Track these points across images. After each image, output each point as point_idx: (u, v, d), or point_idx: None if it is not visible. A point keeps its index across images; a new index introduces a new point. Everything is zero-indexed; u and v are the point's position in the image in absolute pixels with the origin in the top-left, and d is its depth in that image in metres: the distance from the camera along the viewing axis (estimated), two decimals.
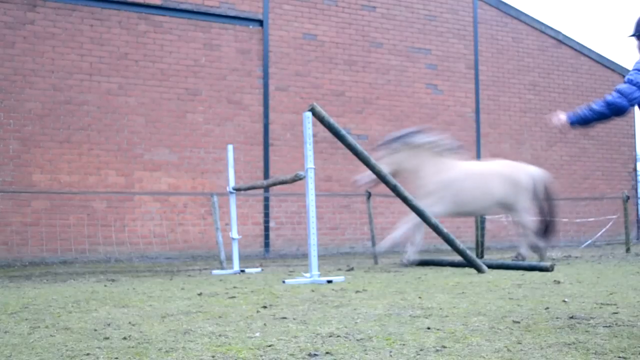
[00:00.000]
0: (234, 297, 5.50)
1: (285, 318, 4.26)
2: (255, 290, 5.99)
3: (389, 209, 13.89)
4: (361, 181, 9.53)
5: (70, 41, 11.45)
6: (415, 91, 14.64)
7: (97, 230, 11.29)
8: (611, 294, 5.38)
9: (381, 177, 7.77)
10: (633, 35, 4.03)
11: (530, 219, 9.71)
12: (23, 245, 10.80)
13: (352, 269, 8.81)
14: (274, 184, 8.72)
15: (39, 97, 11.13)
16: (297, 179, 7.48)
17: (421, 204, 8.37)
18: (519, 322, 3.98)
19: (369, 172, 8.61)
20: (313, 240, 6.97)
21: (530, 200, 9.57)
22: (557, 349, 3.18)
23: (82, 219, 11.23)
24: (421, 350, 3.21)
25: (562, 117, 4.09)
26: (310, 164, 7.14)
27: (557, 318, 4.14)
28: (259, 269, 8.90)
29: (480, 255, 10.45)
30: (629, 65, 18.30)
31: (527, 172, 9.72)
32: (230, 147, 9.24)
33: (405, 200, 7.83)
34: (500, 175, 9.50)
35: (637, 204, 17.74)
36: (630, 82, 3.86)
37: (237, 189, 9.18)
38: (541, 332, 3.65)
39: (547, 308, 4.59)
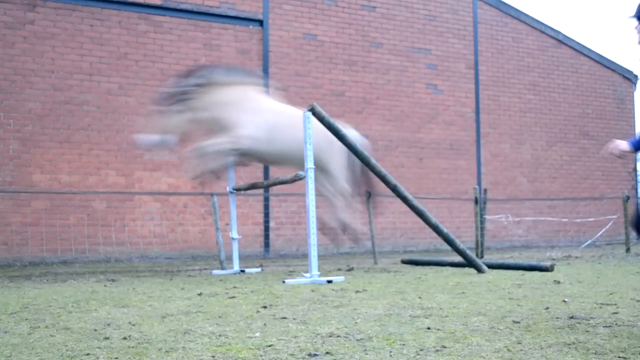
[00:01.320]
0: (234, 297, 5.50)
1: (285, 318, 4.26)
2: (255, 290, 5.99)
3: (388, 209, 13.88)
4: (143, 141, 8.14)
5: (70, 41, 11.45)
6: (415, 91, 14.64)
7: (97, 230, 11.29)
8: (611, 294, 5.38)
9: (381, 177, 7.76)
10: (634, 17, 3.93)
11: (347, 187, 8.55)
12: (23, 245, 10.80)
13: (352, 269, 8.81)
14: (274, 184, 8.71)
15: (39, 97, 11.13)
16: (297, 179, 7.48)
17: (227, 135, 7.68)
18: (519, 322, 3.98)
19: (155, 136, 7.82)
20: (313, 240, 6.97)
21: (345, 167, 8.42)
22: (557, 349, 3.18)
23: (82, 219, 11.23)
24: (421, 350, 3.21)
25: (622, 145, 3.87)
26: (310, 164, 7.13)
27: (557, 318, 4.14)
28: (259, 269, 8.90)
29: (480, 255, 10.45)
30: (629, 65, 18.32)
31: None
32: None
33: (405, 200, 7.83)
34: (316, 128, 7.58)
35: (637, 204, 17.74)
36: None
37: (237, 189, 9.18)
38: (541, 332, 3.65)
39: (547, 308, 4.59)
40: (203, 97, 7.86)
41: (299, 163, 7.90)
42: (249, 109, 7.86)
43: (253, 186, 9.25)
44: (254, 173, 12.66)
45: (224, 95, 7.85)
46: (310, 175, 7.13)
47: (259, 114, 7.90)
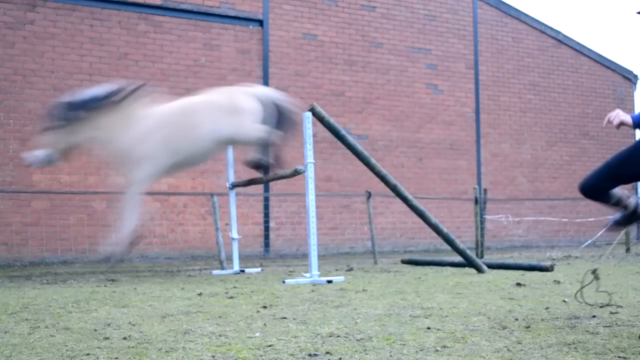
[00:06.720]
0: (234, 297, 5.50)
1: (285, 318, 4.25)
2: (255, 290, 5.99)
3: (389, 209, 13.89)
4: (30, 159, 7.83)
5: (70, 41, 11.45)
6: (415, 91, 14.64)
7: (97, 230, 11.28)
8: (611, 294, 5.37)
9: (381, 177, 7.77)
10: None
11: (275, 137, 8.04)
12: (23, 245, 10.80)
13: (352, 269, 8.81)
14: (274, 179, 8.72)
15: (39, 97, 11.13)
16: (296, 173, 7.45)
17: (131, 174, 7.58)
18: (519, 322, 3.98)
19: (41, 152, 7.61)
20: (313, 240, 6.97)
21: (261, 121, 7.89)
22: (557, 349, 3.18)
23: (82, 219, 11.22)
24: (421, 350, 3.21)
25: (624, 117, 3.78)
26: (310, 159, 7.12)
27: (557, 318, 4.14)
28: (259, 269, 8.90)
29: (480, 255, 10.46)
30: (629, 65, 18.30)
31: (248, 93, 7.99)
32: (230, 147, 9.23)
33: (405, 200, 7.83)
34: (214, 107, 7.75)
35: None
36: None
37: (236, 185, 9.18)
38: (541, 332, 3.65)
39: (547, 308, 4.59)
40: (89, 119, 7.67)
41: (207, 155, 8.16)
42: (137, 137, 7.63)
43: (252, 181, 9.23)
44: (254, 173, 12.63)
45: (110, 120, 7.64)
46: (310, 169, 7.13)
47: (148, 137, 7.65)
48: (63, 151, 7.75)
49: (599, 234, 14.60)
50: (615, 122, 3.80)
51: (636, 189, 17.73)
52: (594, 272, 4.70)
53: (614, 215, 4.18)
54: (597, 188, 3.87)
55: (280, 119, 7.99)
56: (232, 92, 8.03)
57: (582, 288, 4.80)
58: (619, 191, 3.94)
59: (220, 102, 7.76)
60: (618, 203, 3.96)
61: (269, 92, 8.27)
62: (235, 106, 7.73)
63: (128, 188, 7.78)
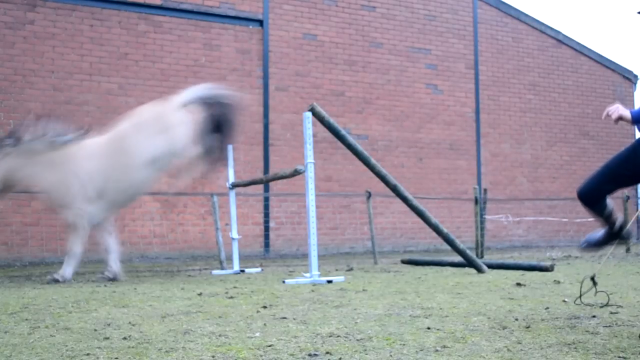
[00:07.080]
0: (234, 297, 5.50)
1: (285, 318, 4.25)
2: (255, 290, 5.99)
3: (389, 209, 13.89)
4: None
5: (70, 41, 11.45)
6: (415, 91, 14.64)
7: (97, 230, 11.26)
8: (611, 294, 5.37)
9: (381, 177, 7.76)
10: None
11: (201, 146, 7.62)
12: (23, 245, 10.80)
13: (352, 269, 8.81)
14: (274, 179, 8.72)
15: (39, 97, 11.13)
16: (296, 173, 7.46)
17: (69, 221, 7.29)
18: (519, 322, 3.98)
19: None
20: (313, 240, 6.97)
21: (203, 130, 7.51)
22: (557, 349, 3.18)
23: None
24: (421, 350, 3.21)
25: (623, 111, 3.70)
26: (310, 159, 7.13)
27: (557, 318, 4.14)
28: (259, 269, 8.90)
29: (480, 255, 10.46)
30: (629, 65, 18.32)
31: (178, 104, 7.60)
32: (229, 147, 9.23)
33: (405, 200, 7.83)
34: (145, 130, 7.34)
35: (637, 204, 17.74)
36: None
37: (237, 185, 9.20)
38: (541, 332, 3.65)
39: (547, 308, 4.59)
40: (22, 154, 7.25)
41: (150, 183, 7.86)
42: (75, 183, 7.29)
43: (253, 182, 9.24)
44: (254, 173, 12.66)
45: (45, 159, 7.27)
46: (310, 169, 7.12)
47: (84, 179, 7.32)
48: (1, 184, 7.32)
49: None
50: (614, 116, 3.73)
51: (637, 191, 17.73)
52: (592, 278, 4.70)
53: (593, 233, 4.14)
54: (597, 191, 3.82)
55: (218, 119, 7.65)
56: (161, 111, 7.57)
57: (581, 296, 4.80)
58: (613, 204, 3.90)
59: (151, 123, 7.37)
60: (609, 216, 3.91)
61: (203, 91, 7.85)
62: (166, 124, 7.39)
63: (75, 229, 7.43)
